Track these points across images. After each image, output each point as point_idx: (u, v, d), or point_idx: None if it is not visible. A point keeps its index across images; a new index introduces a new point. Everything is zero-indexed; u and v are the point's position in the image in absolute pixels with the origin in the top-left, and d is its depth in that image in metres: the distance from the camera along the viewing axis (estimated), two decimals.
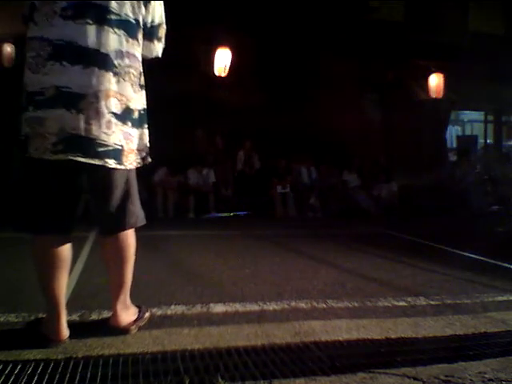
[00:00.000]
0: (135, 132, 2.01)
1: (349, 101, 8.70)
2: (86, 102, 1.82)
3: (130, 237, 2.12)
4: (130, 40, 1.96)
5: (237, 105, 8.24)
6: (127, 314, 2.18)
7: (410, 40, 8.81)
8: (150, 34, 2.11)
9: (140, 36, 2.03)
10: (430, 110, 9.59)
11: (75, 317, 2.38)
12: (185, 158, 8.13)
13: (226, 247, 4.88)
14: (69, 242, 2.00)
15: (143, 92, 2.07)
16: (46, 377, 1.72)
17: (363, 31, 8.40)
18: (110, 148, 1.89)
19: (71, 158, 1.84)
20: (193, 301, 2.79)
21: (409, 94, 9.67)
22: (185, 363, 1.86)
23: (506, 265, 4.03)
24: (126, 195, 2.03)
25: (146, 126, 2.09)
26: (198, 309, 2.65)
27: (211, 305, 2.72)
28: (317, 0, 8.15)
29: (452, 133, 13.62)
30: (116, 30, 1.90)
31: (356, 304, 2.82)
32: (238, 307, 2.70)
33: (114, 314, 2.15)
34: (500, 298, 3.02)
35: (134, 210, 2.07)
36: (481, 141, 12.88)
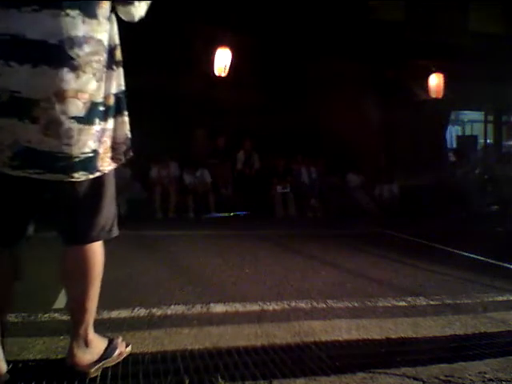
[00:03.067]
0: (110, 124, 1.68)
1: (349, 101, 8.69)
2: (38, 108, 1.51)
3: (95, 254, 1.75)
4: (88, 20, 1.57)
5: (237, 105, 8.24)
6: (86, 352, 1.76)
7: (410, 40, 8.81)
8: None
9: (102, 11, 1.62)
10: (430, 110, 9.58)
11: None
12: (184, 158, 8.15)
13: (225, 247, 4.87)
14: (10, 254, 1.72)
15: (120, 70, 1.71)
16: (46, 377, 1.72)
17: (363, 31, 8.39)
18: (77, 159, 1.58)
19: (27, 175, 1.57)
20: (193, 301, 2.79)
21: (409, 94, 9.67)
22: (185, 363, 1.86)
23: (506, 265, 4.03)
24: (94, 204, 1.71)
25: (126, 112, 1.75)
26: (198, 309, 2.65)
27: (211, 305, 2.72)
28: (317, 0, 8.16)
29: (452, 133, 13.62)
30: (69, 10, 1.53)
31: (356, 304, 2.82)
32: (238, 307, 2.71)
33: (69, 351, 1.76)
34: (500, 298, 3.02)
35: (99, 222, 1.72)
36: (481, 141, 12.89)
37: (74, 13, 1.54)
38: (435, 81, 9.32)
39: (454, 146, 12.68)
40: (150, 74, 7.75)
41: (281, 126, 8.46)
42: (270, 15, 7.93)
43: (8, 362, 1.69)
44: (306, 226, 7.24)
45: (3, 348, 1.69)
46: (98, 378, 1.72)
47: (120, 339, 1.93)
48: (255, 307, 2.71)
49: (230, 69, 8.08)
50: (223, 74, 8.12)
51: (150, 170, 7.87)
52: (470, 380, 1.76)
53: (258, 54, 8.02)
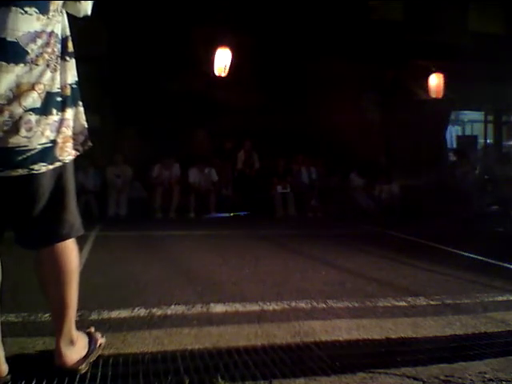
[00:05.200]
0: (69, 114, 1.69)
1: (349, 101, 8.69)
2: None
3: (68, 250, 1.73)
4: (42, 17, 1.60)
5: (237, 105, 8.24)
6: (73, 350, 1.77)
7: (409, 40, 8.82)
8: None
9: (55, 6, 1.66)
10: (430, 110, 9.59)
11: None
12: (184, 157, 8.16)
13: (226, 247, 4.87)
14: None
15: (73, 61, 1.73)
16: (46, 376, 1.72)
17: (363, 31, 8.40)
18: (35, 151, 1.58)
19: None
20: (193, 301, 2.79)
21: (409, 94, 9.67)
22: (185, 363, 1.86)
23: (506, 265, 4.03)
24: (58, 200, 1.69)
25: (81, 102, 1.76)
26: (198, 309, 2.65)
27: (211, 305, 2.72)
28: (316, 0, 8.16)
29: (452, 133, 13.61)
30: (27, 8, 1.56)
31: (356, 304, 2.81)
32: (238, 307, 2.70)
33: (58, 352, 1.75)
34: (500, 298, 3.02)
35: (66, 219, 1.71)
36: (481, 141, 12.89)
37: (30, 10, 1.58)
38: (435, 81, 9.33)
39: (454, 146, 12.68)
40: (150, 74, 7.76)
41: (281, 126, 8.47)
42: (270, 15, 7.94)
43: (8, 362, 1.69)
44: (305, 226, 7.24)
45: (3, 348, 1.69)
46: (99, 378, 1.73)
47: (93, 329, 1.95)
48: (255, 307, 2.71)
49: (230, 69, 8.08)
50: (223, 74, 8.12)
51: (152, 170, 7.82)
52: (470, 380, 1.76)
53: (258, 54, 8.03)
